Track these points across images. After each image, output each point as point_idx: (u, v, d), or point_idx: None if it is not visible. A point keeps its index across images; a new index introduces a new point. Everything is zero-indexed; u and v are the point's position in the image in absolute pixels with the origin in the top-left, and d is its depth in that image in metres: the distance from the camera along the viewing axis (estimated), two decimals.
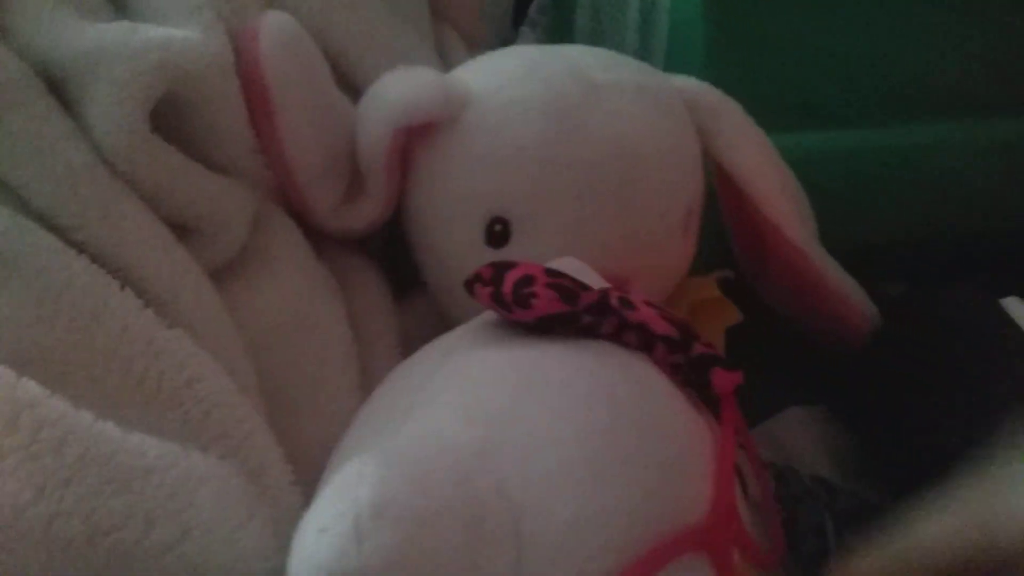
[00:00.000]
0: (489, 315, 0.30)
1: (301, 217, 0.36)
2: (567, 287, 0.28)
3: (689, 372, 0.30)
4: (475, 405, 0.25)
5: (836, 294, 0.41)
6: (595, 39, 0.60)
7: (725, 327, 0.42)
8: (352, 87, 0.39)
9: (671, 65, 0.50)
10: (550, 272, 0.28)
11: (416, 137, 0.35)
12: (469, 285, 0.29)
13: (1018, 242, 0.53)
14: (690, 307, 0.40)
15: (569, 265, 0.32)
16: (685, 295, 0.40)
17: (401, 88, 0.35)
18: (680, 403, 0.28)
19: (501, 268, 0.28)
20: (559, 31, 0.66)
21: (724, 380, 0.30)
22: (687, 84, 0.39)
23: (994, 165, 0.50)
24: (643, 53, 0.52)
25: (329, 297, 0.34)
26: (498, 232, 0.35)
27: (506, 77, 0.35)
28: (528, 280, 0.28)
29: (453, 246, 0.36)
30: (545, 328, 0.28)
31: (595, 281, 0.32)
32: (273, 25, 0.33)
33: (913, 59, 0.48)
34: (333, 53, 0.39)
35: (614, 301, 0.29)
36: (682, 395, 0.29)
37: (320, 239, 0.37)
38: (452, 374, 0.27)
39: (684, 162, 0.37)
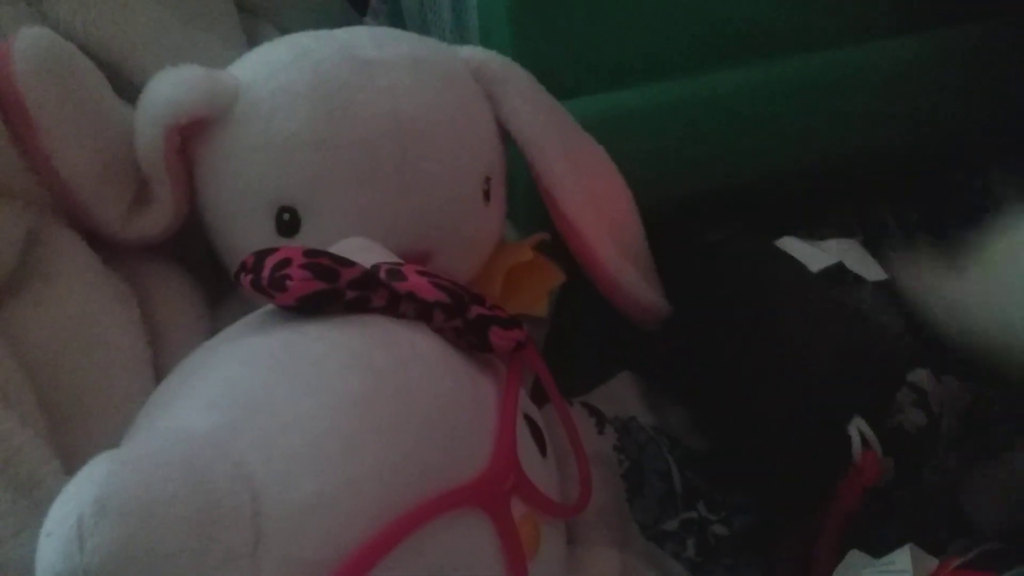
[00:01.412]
0: (270, 305, 0.30)
1: (92, 230, 0.35)
2: (324, 265, 0.28)
3: (470, 335, 0.30)
4: (222, 393, 0.25)
5: (615, 283, 0.41)
6: (423, 23, 0.60)
7: (549, 289, 0.42)
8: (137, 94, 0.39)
9: (486, 41, 0.50)
10: (308, 253, 0.28)
11: (193, 136, 0.35)
12: (236, 275, 0.29)
13: (838, 179, 0.55)
14: (507, 273, 0.41)
15: (353, 245, 0.33)
16: (502, 261, 0.40)
17: (164, 88, 0.34)
18: (457, 366, 0.29)
19: (262, 255, 0.28)
20: (398, 18, 0.66)
21: (502, 338, 0.30)
22: (473, 53, 0.39)
23: (810, 104, 0.51)
24: (459, 31, 0.53)
25: (118, 307, 0.34)
26: (287, 221, 0.34)
27: (275, 65, 0.35)
28: (285, 263, 0.28)
29: (248, 241, 0.35)
30: (312, 309, 0.28)
31: (383, 258, 0.32)
32: (25, 42, 0.33)
33: (722, 3, 0.49)
34: (112, 61, 0.39)
35: (382, 274, 0.29)
36: (464, 359, 0.30)
37: (120, 249, 0.36)
38: (206, 365, 0.27)
39: (472, 132, 0.37)
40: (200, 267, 0.40)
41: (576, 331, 0.45)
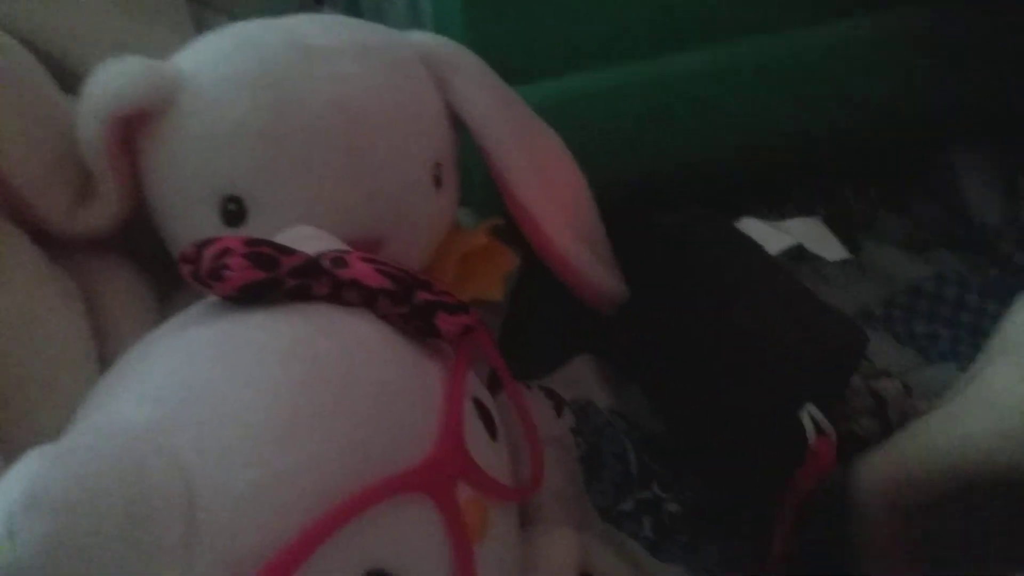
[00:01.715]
0: (213, 296, 0.30)
1: (37, 225, 0.35)
2: (265, 254, 0.28)
3: (416, 320, 0.30)
4: (159, 385, 0.25)
5: (571, 268, 0.40)
6: (378, 10, 0.59)
7: (504, 273, 0.42)
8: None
9: (440, 26, 0.50)
10: (249, 242, 0.28)
11: (137, 127, 0.35)
12: (179, 266, 0.29)
13: (797, 159, 0.55)
14: (462, 258, 0.41)
15: (300, 233, 0.32)
16: (455, 247, 0.40)
17: (106, 80, 0.34)
18: (403, 352, 0.29)
19: (202, 245, 0.28)
20: (354, 6, 0.65)
21: (449, 323, 0.30)
22: (423, 39, 0.39)
23: (765, 87, 0.52)
24: (414, 18, 0.52)
25: (62, 303, 0.33)
26: (233, 211, 0.34)
27: (219, 54, 0.35)
28: (224, 252, 0.27)
29: (193, 232, 0.35)
30: (253, 298, 0.28)
31: (330, 246, 0.32)
32: None
33: None
34: (55, 54, 0.38)
35: (325, 262, 0.29)
36: (411, 345, 0.30)
37: (67, 244, 0.36)
38: (145, 358, 0.27)
39: (421, 118, 0.37)
40: (151, 260, 0.39)
41: (534, 315, 0.45)
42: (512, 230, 0.43)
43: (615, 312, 0.44)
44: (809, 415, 0.35)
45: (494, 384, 0.36)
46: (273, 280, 0.27)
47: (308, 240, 0.32)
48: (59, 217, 0.35)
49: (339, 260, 0.29)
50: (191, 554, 0.21)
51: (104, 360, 0.33)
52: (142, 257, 0.39)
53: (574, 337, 0.46)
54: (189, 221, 0.35)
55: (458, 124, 0.40)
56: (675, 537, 0.38)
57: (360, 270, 0.29)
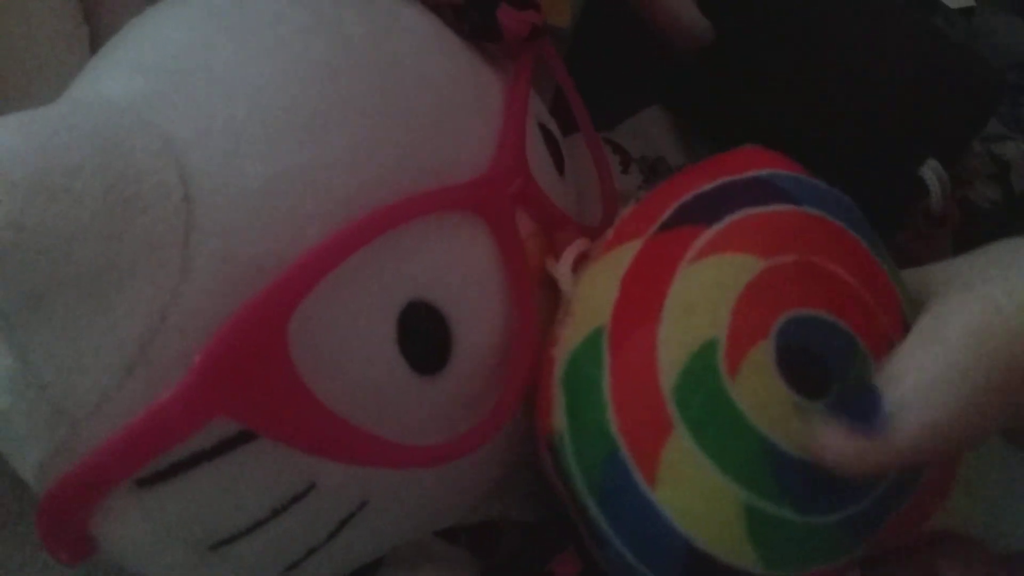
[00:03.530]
0: None
1: None
2: None
3: (472, 13, 0.24)
4: (151, 57, 0.20)
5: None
6: None
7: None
8: None
9: None
10: None
11: None
12: None
13: None
14: None
15: None
16: None
17: None
18: (455, 48, 0.23)
19: None
20: None
21: (514, 20, 0.24)
22: None
23: None
24: None
25: None
26: None
27: None
28: None
29: None
30: None
31: None
32: None
33: None
34: None
35: None
36: (465, 45, 0.24)
37: None
38: (139, 30, 0.21)
39: None
40: None
41: (601, 54, 0.39)
42: None
43: (694, 55, 0.37)
44: (934, 173, 0.29)
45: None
46: None
47: None
48: None
49: None
50: (189, 256, 0.17)
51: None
52: None
53: (645, 84, 0.39)
54: None
55: None
56: None
57: None
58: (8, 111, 0.25)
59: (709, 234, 0.20)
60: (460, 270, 0.21)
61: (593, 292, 0.21)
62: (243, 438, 0.17)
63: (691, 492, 0.19)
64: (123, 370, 0.17)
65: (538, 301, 0.22)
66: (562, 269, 0.22)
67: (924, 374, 0.18)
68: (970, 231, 0.33)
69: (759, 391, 0.19)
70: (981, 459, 0.22)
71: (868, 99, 0.32)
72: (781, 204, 0.21)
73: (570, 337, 0.21)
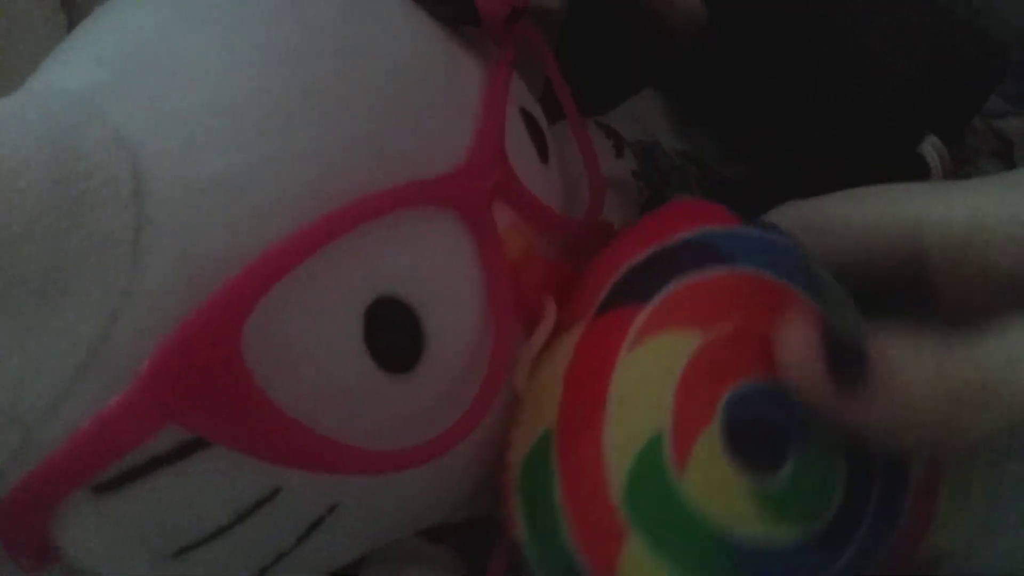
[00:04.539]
0: None
1: None
2: None
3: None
4: (106, 45, 0.19)
5: None
6: None
7: None
8: None
9: None
10: None
11: None
12: None
13: None
14: None
15: None
16: None
17: None
18: (429, 32, 0.22)
19: None
20: None
21: (490, 1, 0.23)
22: None
23: None
24: None
25: None
26: None
27: None
28: None
29: None
30: None
31: None
32: None
33: None
34: None
35: None
36: (442, 30, 0.23)
37: None
38: (100, 18, 0.20)
39: None
40: None
41: (596, 37, 0.38)
42: None
43: (691, 36, 0.36)
44: (933, 148, 0.28)
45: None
46: None
47: None
48: None
49: None
50: (139, 253, 0.16)
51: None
52: None
53: (640, 66, 0.38)
54: None
55: None
56: None
57: None
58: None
59: (645, 314, 0.20)
60: (431, 264, 0.20)
61: (539, 391, 0.21)
62: (201, 443, 0.17)
63: None
64: (74, 374, 0.16)
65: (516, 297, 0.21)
66: (519, 372, 0.21)
67: None
68: None
69: (710, 482, 0.18)
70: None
71: (867, 75, 0.31)
72: (716, 266, 0.20)
73: (521, 441, 0.20)
